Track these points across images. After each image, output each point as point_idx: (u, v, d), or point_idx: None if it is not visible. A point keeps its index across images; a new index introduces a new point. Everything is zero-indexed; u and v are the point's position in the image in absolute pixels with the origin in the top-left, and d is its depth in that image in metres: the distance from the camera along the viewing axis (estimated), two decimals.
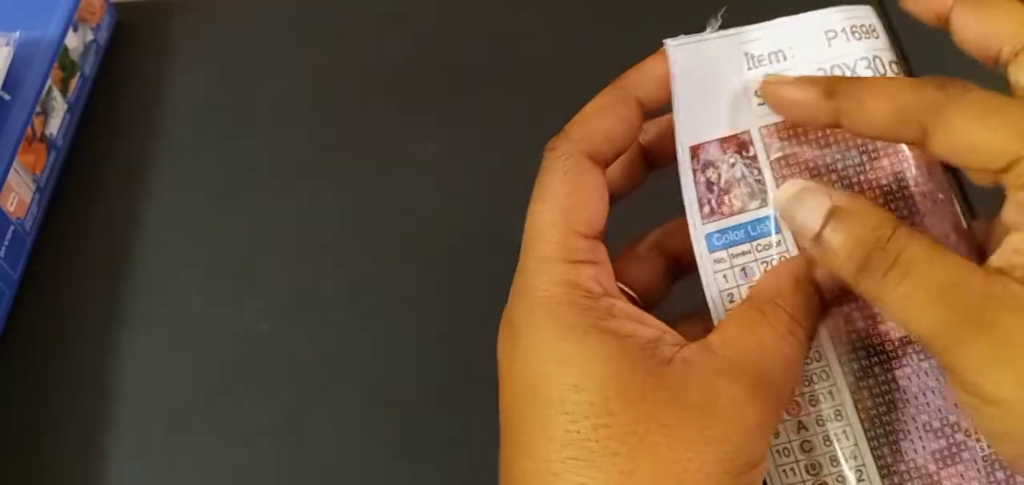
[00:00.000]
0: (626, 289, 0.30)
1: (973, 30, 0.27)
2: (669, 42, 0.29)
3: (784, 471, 0.28)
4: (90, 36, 0.53)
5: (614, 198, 0.29)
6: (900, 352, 0.28)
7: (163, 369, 0.44)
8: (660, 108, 0.28)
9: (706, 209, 0.29)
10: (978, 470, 0.27)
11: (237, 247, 0.47)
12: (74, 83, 0.51)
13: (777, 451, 0.28)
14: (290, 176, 0.49)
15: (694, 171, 0.29)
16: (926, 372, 0.27)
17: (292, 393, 0.42)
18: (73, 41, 0.51)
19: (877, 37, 0.29)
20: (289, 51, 0.54)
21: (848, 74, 0.28)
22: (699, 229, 0.29)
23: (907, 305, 0.24)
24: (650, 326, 0.26)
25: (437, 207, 0.47)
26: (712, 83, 0.29)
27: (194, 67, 0.54)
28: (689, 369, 0.25)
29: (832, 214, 0.25)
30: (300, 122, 0.51)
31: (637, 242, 0.32)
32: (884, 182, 0.28)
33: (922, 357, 0.27)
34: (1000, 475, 0.27)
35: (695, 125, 0.29)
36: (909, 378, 0.28)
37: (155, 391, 0.43)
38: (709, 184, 0.29)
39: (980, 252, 0.28)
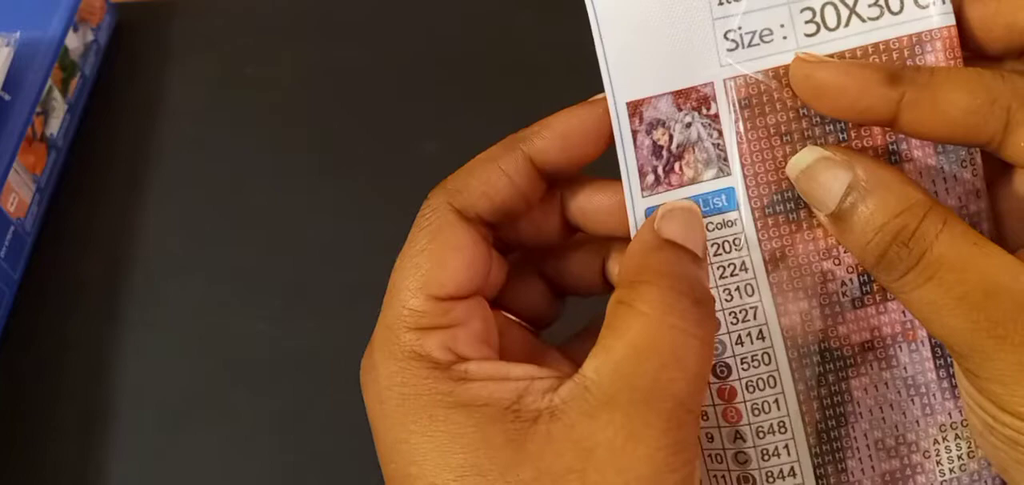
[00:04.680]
0: (515, 319, 0.27)
1: (1001, 23, 0.23)
2: None
3: (716, 477, 0.25)
4: (90, 36, 0.53)
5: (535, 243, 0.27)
6: (859, 359, 0.24)
7: (163, 369, 0.44)
8: (558, 165, 0.25)
9: (650, 178, 0.24)
10: None
11: (237, 247, 0.47)
12: (74, 83, 0.51)
13: (710, 456, 0.25)
14: (290, 176, 0.49)
15: (635, 132, 0.24)
16: (887, 384, 0.24)
17: (292, 393, 0.42)
18: (73, 41, 0.51)
19: None
20: (289, 50, 0.54)
21: (844, 11, 0.24)
22: (638, 203, 0.25)
23: (931, 310, 0.21)
24: (514, 379, 0.22)
25: None
26: (662, 25, 0.24)
27: (194, 67, 0.54)
28: (556, 424, 0.21)
29: (852, 190, 0.22)
30: (300, 122, 0.51)
31: (515, 265, 0.28)
32: (883, 148, 0.24)
33: (884, 366, 0.24)
34: None
35: (636, 76, 0.24)
36: (866, 390, 0.24)
37: (155, 391, 0.43)
38: (656, 148, 0.24)
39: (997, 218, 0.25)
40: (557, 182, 0.26)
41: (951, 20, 0.24)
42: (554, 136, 0.25)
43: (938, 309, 0.21)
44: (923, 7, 0.24)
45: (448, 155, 0.48)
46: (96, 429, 0.42)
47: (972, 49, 0.24)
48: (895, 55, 0.24)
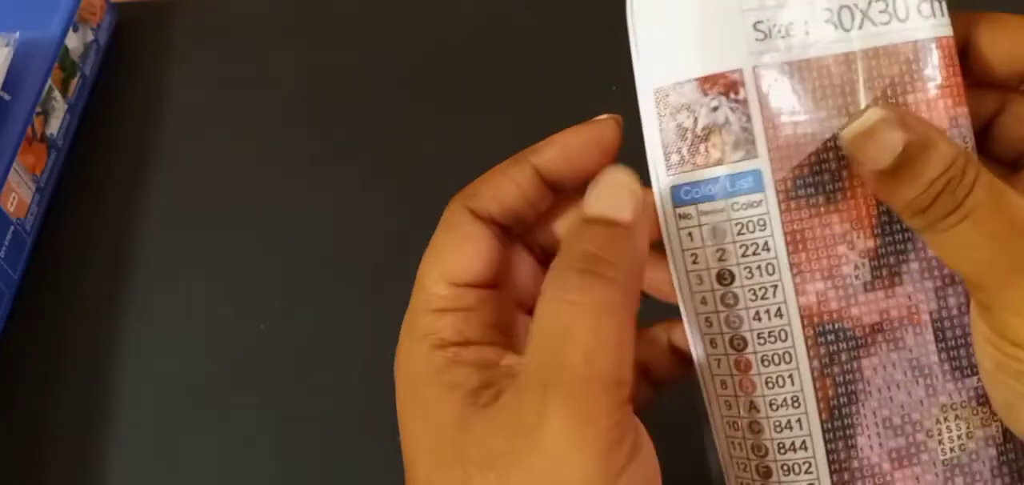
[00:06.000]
0: None
1: (1004, 51, 0.26)
2: None
3: (733, 443, 0.27)
4: (90, 36, 0.53)
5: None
6: (870, 340, 0.26)
7: (163, 369, 0.44)
8: (562, 176, 0.27)
9: (675, 158, 0.26)
10: (936, 474, 0.26)
11: (237, 247, 0.47)
12: (74, 83, 0.51)
13: (729, 423, 0.26)
14: (290, 176, 0.49)
15: (660, 116, 0.26)
16: (895, 364, 0.26)
17: (292, 393, 0.42)
18: (73, 41, 0.51)
19: None
20: (289, 51, 0.54)
21: (858, 14, 0.26)
22: (663, 180, 0.26)
23: (960, 244, 0.23)
24: (496, 367, 0.24)
25: (437, 207, 0.47)
26: (693, 15, 0.26)
27: (194, 67, 0.54)
28: (496, 409, 0.22)
29: (908, 147, 0.24)
30: (300, 122, 0.51)
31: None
32: None
33: (892, 348, 0.26)
34: (959, 481, 0.26)
35: (663, 64, 0.26)
36: (875, 369, 0.26)
37: (155, 391, 0.43)
38: (681, 130, 0.26)
39: None
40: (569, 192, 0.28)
41: (949, 32, 0.26)
42: (558, 150, 0.27)
43: (967, 244, 0.23)
44: (925, 17, 0.26)
45: (448, 155, 0.49)
46: (95, 429, 0.42)
47: (977, 74, 0.26)
48: (900, 59, 0.26)
